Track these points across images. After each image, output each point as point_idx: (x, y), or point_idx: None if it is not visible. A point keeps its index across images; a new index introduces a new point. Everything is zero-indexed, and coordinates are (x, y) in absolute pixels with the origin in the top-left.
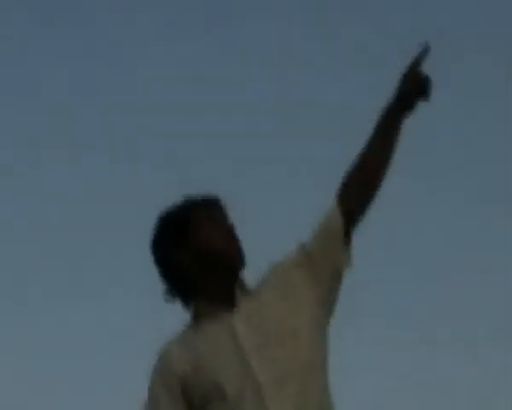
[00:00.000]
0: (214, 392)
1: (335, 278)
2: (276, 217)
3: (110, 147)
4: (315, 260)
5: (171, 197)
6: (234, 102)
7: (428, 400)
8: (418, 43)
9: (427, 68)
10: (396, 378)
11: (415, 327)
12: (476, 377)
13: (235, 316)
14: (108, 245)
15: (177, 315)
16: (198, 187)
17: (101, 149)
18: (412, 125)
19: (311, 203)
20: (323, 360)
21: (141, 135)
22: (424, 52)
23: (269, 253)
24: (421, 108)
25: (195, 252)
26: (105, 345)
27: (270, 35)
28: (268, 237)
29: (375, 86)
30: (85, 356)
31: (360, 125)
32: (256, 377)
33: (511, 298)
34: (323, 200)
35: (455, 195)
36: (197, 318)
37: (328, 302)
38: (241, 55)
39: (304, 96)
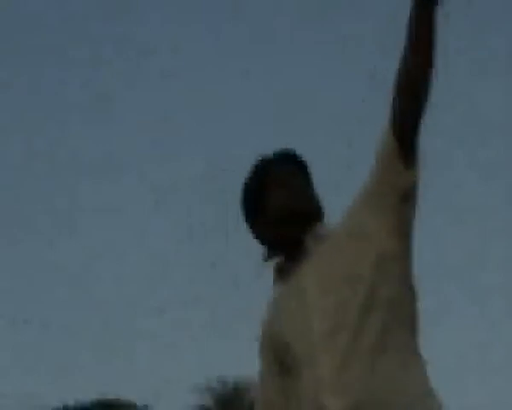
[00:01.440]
0: (288, 353)
1: (403, 200)
2: None
3: None
4: (375, 191)
5: None
6: None
7: None
8: None
9: None
10: None
11: None
12: None
13: (304, 269)
14: None
15: None
16: None
17: None
18: None
19: None
20: (393, 297)
21: None
22: None
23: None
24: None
25: (270, 220)
26: None
27: None
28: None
29: None
30: None
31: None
32: (313, 329)
33: None
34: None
35: None
36: (278, 275)
37: (400, 228)
38: None
39: None
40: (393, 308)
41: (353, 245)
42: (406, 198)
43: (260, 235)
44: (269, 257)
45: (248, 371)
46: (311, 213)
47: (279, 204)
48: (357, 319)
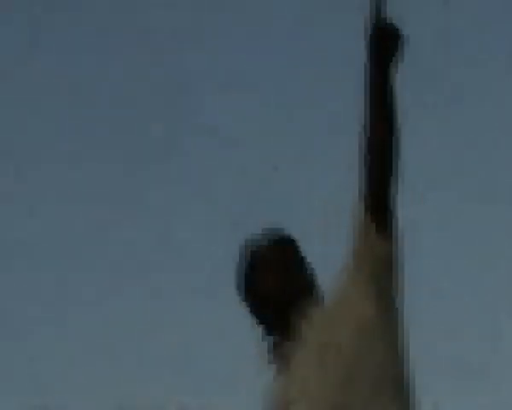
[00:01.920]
0: None
1: (381, 270)
2: None
3: None
4: (352, 262)
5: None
6: None
7: None
8: None
9: (389, 15)
10: None
11: None
12: None
13: (296, 351)
14: None
15: None
16: None
17: None
18: None
19: None
20: (376, 368)
21: None
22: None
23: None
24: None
25: (260, 303)
26: None
27: None
28: None
29: None
30: None
31: None
32: None
33: None
34: None
35: None
36: (272, 354)
37: (381, 297)
38: None
39: None
40: (376, 379)
41: (335, 316)
42: (384, 267)
43: (255, 316)
44: (264, 337)
45: None
46: (298, 292)
47: (266, 287)
48: (338, 394)
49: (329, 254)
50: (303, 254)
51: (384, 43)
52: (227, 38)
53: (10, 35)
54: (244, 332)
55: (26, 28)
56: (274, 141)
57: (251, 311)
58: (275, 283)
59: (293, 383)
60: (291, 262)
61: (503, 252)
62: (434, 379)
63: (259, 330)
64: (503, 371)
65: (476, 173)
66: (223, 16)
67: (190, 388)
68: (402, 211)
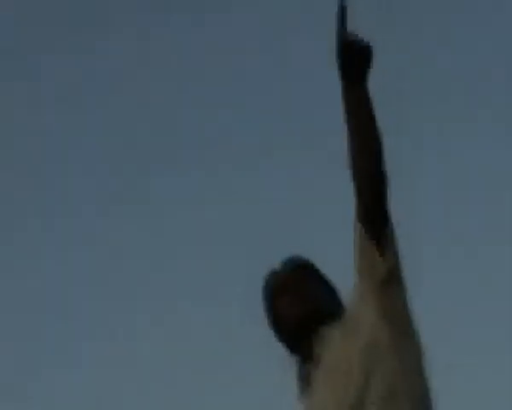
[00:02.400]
0: None
1: (383, 286)
2: None
3: None
4: (356, 282)
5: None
6: None
7: None
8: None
9: (353, 28)
10: None
11: None
12: None
13: (311, 371)
14: None
15: None
16: None
17: None
18: None
19: None
20: (388, 391)
21: None
22: (341, 12)
23: None
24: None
25: (281, 328)
26: None
27: None
28: None
29: None
30: None
31: None
32: None
33: None
34: None
35: None
36: (296, 374)
37: (387, 314)
38: None
39: None
40: (388, 398)
41: (345, 341)
42: (387, 283)
43: (278, 340)
44: (290, 359)
45: None
46: (315, 314)
47: (283, 313)
48: None
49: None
50: (322, 276)
51: (351, 60)
52: None
53: None
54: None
55: None
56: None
57: (275, 335)
58: (289, 308)
59: (313, 406)
60: (305, 286)
61: None
62: None
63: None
64: None
65: None
66: None
67: None
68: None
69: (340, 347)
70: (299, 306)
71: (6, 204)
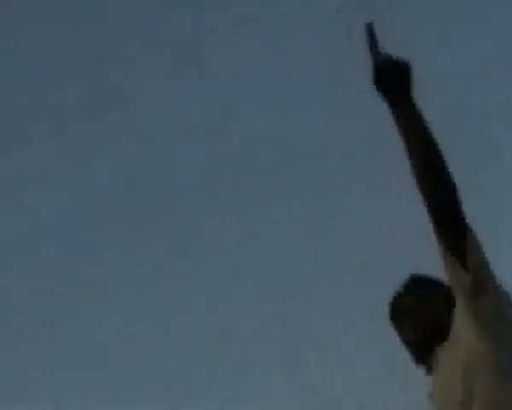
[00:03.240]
0: None
1: (472, 298)
2: None
3: None
4: (456, 301)
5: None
6: None
7: None
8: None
9: (386, 47)
10: None
11: None
12: None
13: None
14: None
15: None
16: None
17: None
18: None
19: None
20: (490, 399)
21: None
22: (370, 34)
23: None
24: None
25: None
26: None
27: None
28: None
29: None
30: None
31: None
32: None
33: None
34: None
35: None
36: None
37: (480, 325)
38: None
39: None
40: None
41: (448, 360)
42: (475, 294)
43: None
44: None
45: None
46: (430, 337)
47: (403, 340)
48: None
49: None
50: (438, 287)
51: (389, 81)
52: None
53: None
54: None
55: None
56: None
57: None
58: (406, 336)
59: None
60: (420, 311)
61: None
62: None
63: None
64: None
65: None
66: None
67: None
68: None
69: (444, 366)
70: (414, 333)
71: None
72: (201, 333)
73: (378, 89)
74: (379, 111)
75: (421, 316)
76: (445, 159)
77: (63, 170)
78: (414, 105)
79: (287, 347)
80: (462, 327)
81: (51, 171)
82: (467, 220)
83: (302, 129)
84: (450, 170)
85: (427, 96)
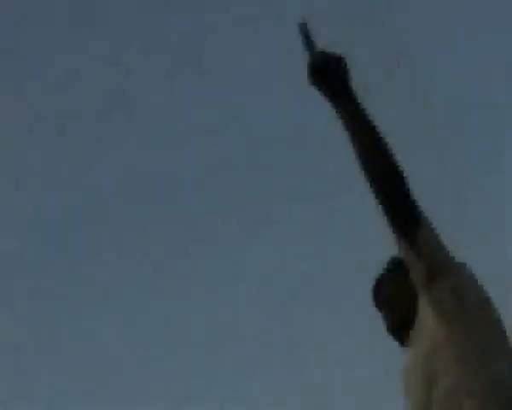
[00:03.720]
0: None
1: (424, 286)
2: None
3: None
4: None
5: None
6: None
7: None
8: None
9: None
10: None
11: None
12: None
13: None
14: None
15: None
16: None
17: None
18: None
19: None
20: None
21: None
22: (304, 33)
23: None
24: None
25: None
26: None
27: None
28: None
29: None
30: None
31: None
32: None
33: None
34: None
35: None
36: None
37: (441, 313)
38: None
39: None
40: (449, 402)
41: (418, 340)
42: (429, 281)
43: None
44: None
45: None
46: (405, 324)
47: (384, 324)
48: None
49: None
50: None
51: (327, 78)
52: None
53: None
54: None
55: None
56: None
57: None
58: (387, 317)
59: None
60: (398, 293)
61: None
62: None
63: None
64: None
65: None
66: None
67: None
68: None
69: (413, 349)
70: (392, 317)
71: None
72: (201, 333)
73: (313, 84)
74: (378, 111)
75: (397, 300)
76: (388, 148)
77: (63, 170)
78: (352, 98)
79: (287, 346)
80: (424, 312)
81: (51, 171)
82: (418, 209)
83: (302, 129)
84: (396, 160)
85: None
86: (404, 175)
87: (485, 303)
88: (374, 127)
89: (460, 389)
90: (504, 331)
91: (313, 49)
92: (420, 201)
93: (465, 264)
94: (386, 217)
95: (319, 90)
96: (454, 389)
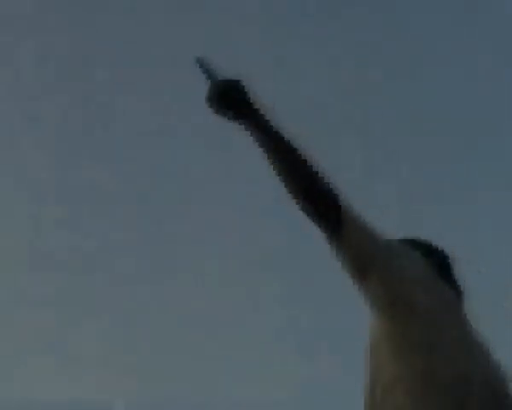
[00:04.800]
0: None
1: (356, 283)
2: None
3: None
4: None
5: None
6: None
7: None
8: (196, 64)
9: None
10: None
11: None
12: None
13: None
14: None
15: None
16: None
17: None
18: None
19: None
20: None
21: None
22: (203, 66)
23: None
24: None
25: None
26: None
27: None
28: None
29: None
30: None
31: None
32: None
33: None
34: None
35: None
36: None
37: (375, 310)
38: None
39: None
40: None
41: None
42: (359, 278)
43: None
44: None
45: None
46: None
47: None
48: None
49: None
50: None
51: (224, 102)
52: None
53: None
54: None
55: None
56: None
57: None
58: None
59: None
60: None
61: None
62: None
63: None
64: None
65: None
66: None
67: None
68: None
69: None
70: None
71: None
72: None
73: (215, 111)
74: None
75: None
76: (299, 153)
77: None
78: (257, 116)
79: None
80: (366, 308)
81: None
82: (339, 206)
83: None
84: (309, 163)
85: None
86: (318, 174)
87: (430, 290)
88: (283, 138)
89: (396, 389)
90: (459, 318)
91: (213, 80)
92: (341, 195)
93: (405, 250)
94: (307, 216)
95: (223, 116)
96: (390, 388)
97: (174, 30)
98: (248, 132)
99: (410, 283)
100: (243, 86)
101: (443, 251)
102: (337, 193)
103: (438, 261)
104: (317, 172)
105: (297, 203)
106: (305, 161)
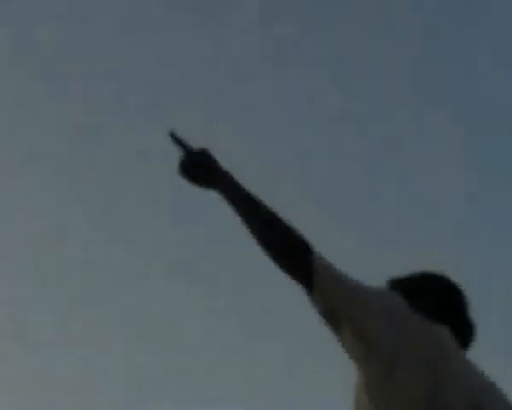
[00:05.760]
0: None
1: (332, 330)
2: None
3: None
4: None
5: None
6: None
7: None
8: (170, 137)
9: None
10: None
11: None
12: None
13: None
14: None
15: None
16: None
17: None
18: None
19: None
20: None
21: None
22: (175, 139)
23: None
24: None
25: None
26: None
27: None
28: None
29: None
30: None
31: None
32: None
33: None
34: None
35: None
36: None
37: (351, 356)
38: None
39: None
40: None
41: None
42: (334, 326)
43: None
44: None
45: None
46: None
47: None
48: None
49: None
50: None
51: (193, 170)
52: None
53: None
54: None
55: None
56: None
57: None
58: None
59: None
60: None
61: None
62: None
63: None
64: None
65: None
66: None
67: None
68: None
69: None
70: None
71: None
72: None
73: (188, 181)
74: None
75: None
76: (271, 212)
77: None
78: (227, 181)
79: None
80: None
81: None
82: (312, 265)
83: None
84: (280, 220)
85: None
86: (293, 232)
87: (407, 333)
88: (254, 200)
89: None
90: (441, 360)
91: (186, 149)
92: (311, 243)
93: (379, 291)
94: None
95: (192, 182)
96: None
97: None
98: (220, 197)
99: (386, 326)
100: (209, 154)
101: (457, 288)
102: (308, 246)
103: (451, 299)
104: (288, 229)
105: (269, 259)
106: (276, 219)
